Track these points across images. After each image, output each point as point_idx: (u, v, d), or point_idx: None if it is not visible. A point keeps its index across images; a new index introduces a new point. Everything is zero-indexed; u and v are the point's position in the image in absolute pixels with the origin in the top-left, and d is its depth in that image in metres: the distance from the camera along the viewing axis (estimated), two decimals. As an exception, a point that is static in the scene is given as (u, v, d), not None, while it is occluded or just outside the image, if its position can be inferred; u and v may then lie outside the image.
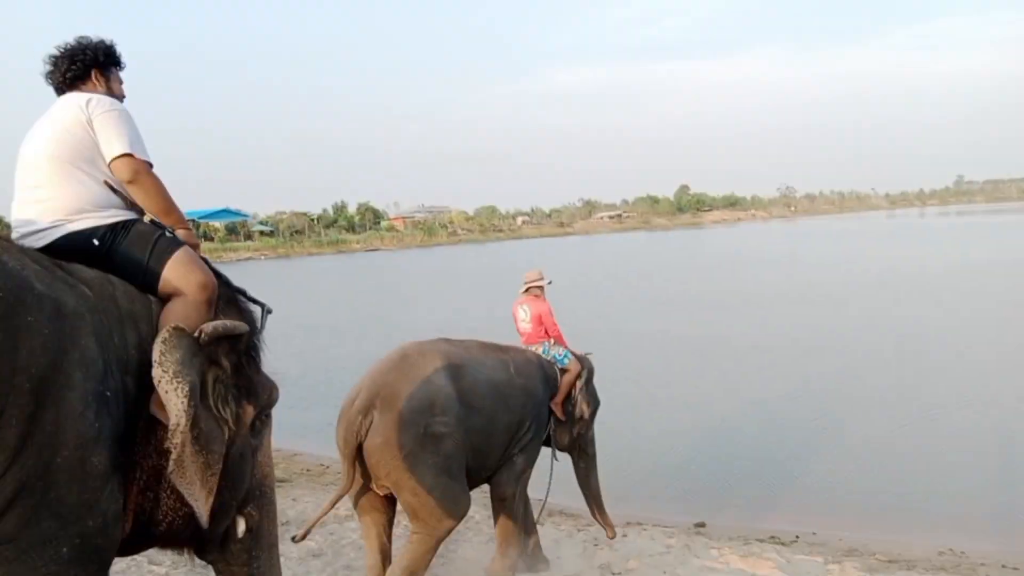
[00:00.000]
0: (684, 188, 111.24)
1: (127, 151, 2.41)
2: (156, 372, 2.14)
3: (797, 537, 6.58)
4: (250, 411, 2.49)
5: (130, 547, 2.37)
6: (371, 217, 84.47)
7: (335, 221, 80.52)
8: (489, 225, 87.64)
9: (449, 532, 4.50)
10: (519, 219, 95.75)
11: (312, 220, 79.40)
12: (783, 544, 6.29)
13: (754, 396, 11.45)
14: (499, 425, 4.79)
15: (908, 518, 7.04)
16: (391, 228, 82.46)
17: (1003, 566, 5.77)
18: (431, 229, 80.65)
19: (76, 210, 2.37)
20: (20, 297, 1.94)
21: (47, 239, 2.35)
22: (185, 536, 2.45)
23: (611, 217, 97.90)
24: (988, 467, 8.05)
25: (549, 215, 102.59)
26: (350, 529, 6.05)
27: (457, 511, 4.43)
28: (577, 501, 5.90)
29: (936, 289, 21.50)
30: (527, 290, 5.64)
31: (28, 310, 1.94)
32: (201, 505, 2.21)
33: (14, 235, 2.37)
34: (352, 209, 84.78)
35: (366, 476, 4.32)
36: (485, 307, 16.61)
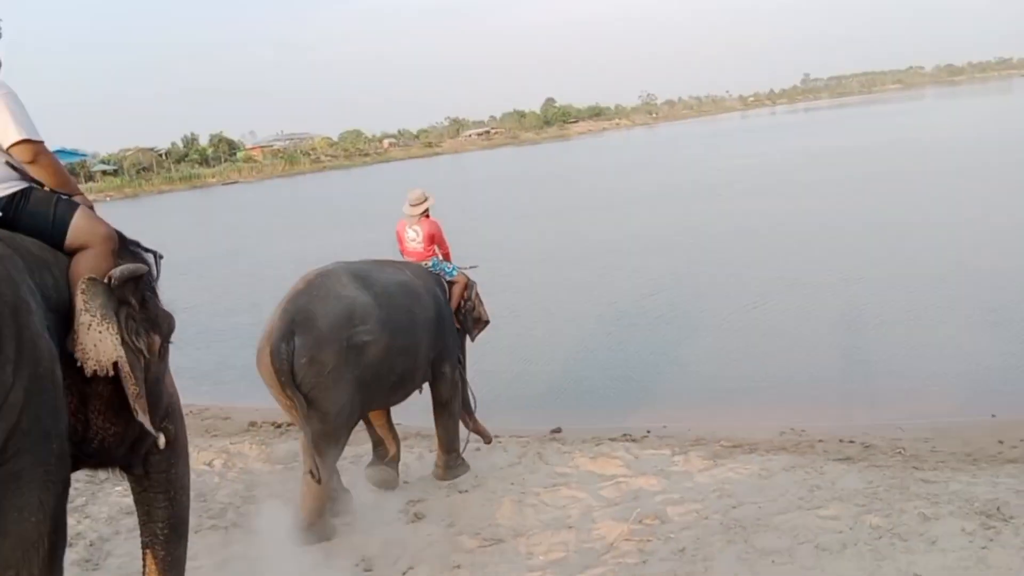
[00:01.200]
0: (550, 101, 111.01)
1: (24, 137, 2.59)
2: (84, 318, 2.44)
3: (648, 432, 6.57)
4: (156, 340, 2.77)
5: (81, 458, 2.62)
6: (226, 148, 79.67)
7: (186, 155, 75.58)
8: (354, 150, 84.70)
9: (340, 451, 4.72)
10: (385, 142, 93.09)
11: (160, 156, 74.22)
12: (634, 441, 6.24)
13: (610, 297, 11.52)
14: (419, 321, 4.95)
15: (753, 403, 7.18)
16: (249, 159, 78.22)
17: (840, 440, 5.92)
18: (292, 157, 77.11)
19: None
20: None
21: None
22: (117, 455, 2.75)
23: (479, 134, 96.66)
24: (825, 347, 8.37)
25: (417, 136, 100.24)
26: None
27: (349, 431, 4.67)
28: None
29: (779, 183, 22.36)
30: (417, 212, 5.60)
31: None
32: (147, 420, 2.55)
33: None
34: (204, 141, 79.86)
35: (291, 401, 4.35)
36: (359, 233, 16.11)
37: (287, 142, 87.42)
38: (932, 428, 6.02)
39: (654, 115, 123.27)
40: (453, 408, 5.48)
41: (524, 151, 74.12)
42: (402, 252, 5.70)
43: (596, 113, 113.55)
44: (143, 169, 69.13)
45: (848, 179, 20.98)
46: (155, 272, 2.88)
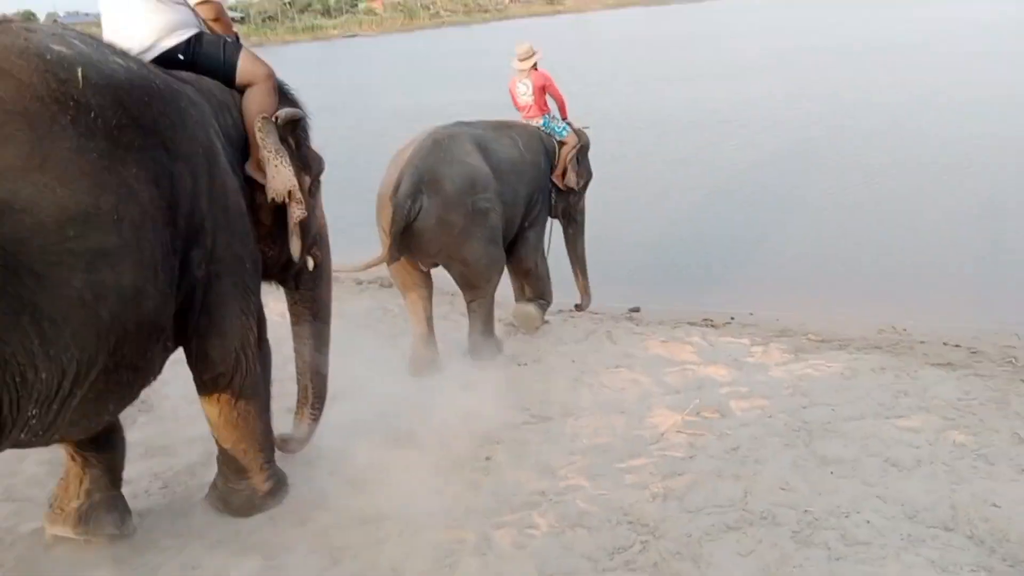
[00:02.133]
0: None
1: None
2: (262, 153, 2.80)
3: (732, 319, 6.18)
4: (306, 179, 3.07)
5: None
6: (349, 0, 79.22)
7: (309, 5, 75.53)
8: (474, 5, 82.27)
9: (495, 288, 5.10)
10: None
11: (285, 4, 74.46)
12: (713, 327, 5.89)
13: (712, 171, 10.80)
14: (520, 198, 5.25)
15: (852, 295, 6.61)
16: (369, 11, 77.48)
17: (944, 343, 5.39)
18: (412, 11, 75.79)
19: (160, 35, 2.84)
20: (173, 89, 2.55)
21: (145, 59, 2.75)
22: (273, 273, 3.19)
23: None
24: (943, 237, 7.59)
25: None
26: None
27: (500, 270, 5.12)
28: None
29: (948, 52, 20.09)
30: (526, 67, 5.63)
31: (181, 98, 2.57)
32: (295, 246, 2.95)
33: None
34: (329, -9, 79.29)
35: (411, 255, 4.75)
36: (468, 92, 15.83)
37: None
38: (1057, 338, 5.38)
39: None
40: (540, 271, 5.64)
41: (655, 11, 69.86)
42: (516, 108, 5.79)
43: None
44: (268, 18, 69.81)
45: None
46: (305, 115, 3.15)
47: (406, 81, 26.90)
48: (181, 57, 2.86)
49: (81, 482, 2.89)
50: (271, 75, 2.97)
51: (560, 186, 5.70)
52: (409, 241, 4.61)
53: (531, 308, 5.56)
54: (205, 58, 2.90)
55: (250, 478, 3.04)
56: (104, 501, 2.90)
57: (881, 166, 10.15)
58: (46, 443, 2.40)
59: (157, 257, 2.32)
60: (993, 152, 10.07)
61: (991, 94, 13.63)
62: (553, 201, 5.75)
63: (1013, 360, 4.97)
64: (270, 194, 2.84)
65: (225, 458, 3.01)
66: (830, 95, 15.43)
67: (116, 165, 2.22)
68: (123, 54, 2.53)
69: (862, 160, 10.50)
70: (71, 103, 2.17)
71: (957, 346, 5.31)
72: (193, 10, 2.93)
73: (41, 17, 63.02)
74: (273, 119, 2.84)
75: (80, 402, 2.19)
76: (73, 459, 2.89)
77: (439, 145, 4.76)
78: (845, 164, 10.47)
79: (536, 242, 5.60)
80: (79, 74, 2.21)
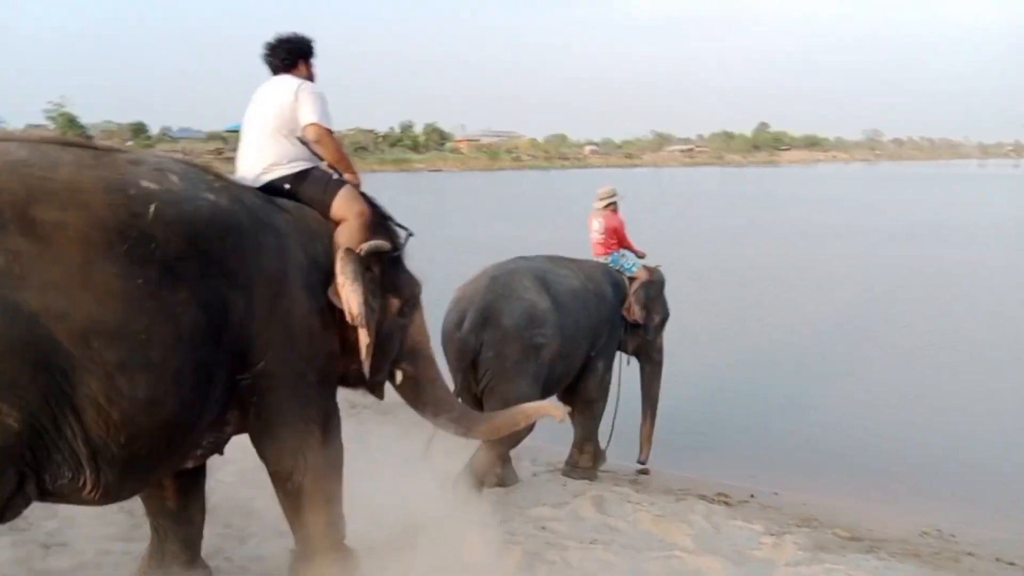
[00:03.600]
0: (763, 125, 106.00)
1: (317, 121, 3.25)
2: (340, 280, 3.06)
3: (752, 497, 5.42)
4: (395, 302, 3.38)
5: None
6: (437, 138, 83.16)
7: (399, 140, 79.60)
8: (555, 153, 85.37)
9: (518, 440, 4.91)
10: (587, 149, 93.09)
11: (378, 137, 78.66)
12: (727, 504, 5.14)
13: (770, 331, 10.18)
14: (582, 329, 5.24)
15: (899, 485, 5.77)
16: (455, 150, 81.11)
17: (998, 559, 4.51)
18: (495, 153, 79.01)
19: (273, 164, 3.26)
20: (256, 223, 2.91)
21: (258, 183, 3.25)
22: (357, 383, 3.44)
23: (682, 151, 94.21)
24: (1007, 429, 6.68)
25: (620, 146, 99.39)
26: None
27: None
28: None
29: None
30: (603, 206, 5.86)
31: (261, 231, 2.91)
32: (367, 364, 3.19)
33: (238, 177, 3.30)
34: (419, 129, 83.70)
35: (473, 384, 4.85)
36: (550, 229, 15.77)
37: (494, 138, 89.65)
38: None
39: (877, 152, 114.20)
40: (596, 409, 5.57)
41: (728, 172, 71.16)
42: (592, 244, 5.91)
43: (812, 143, 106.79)
44: (360, 148, 73.65)
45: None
46: (400, 245, 3.46)
47: (473, 214, 27.47)
48: (288, 187, 3.26)
49: (162, 555, 3.24)
50: (363, 213, 3.25)
51: (632, 320, 5.71)
52: (469, 374, 4.82)
53: (583, 462, 5.47)
54: (308, 191, 3.27)
55: (315, 561, 3.20)
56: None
57: (949, 343, 9.37)
58: (97, 503, 2.68)
59: (186, 372, 2.59)
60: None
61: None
62: (623, 336, 5.73)
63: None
64: (347, 316, 3.09)
65: (296, 539, 3.25)
66: (893, 268, 14.76)
67: (162, 292, 2.52)
68: (220, 190, 2.88)
69: (928, 335, 9.74)
70: (134, 235, 2.50)
71: (1012, 564, 4.43)
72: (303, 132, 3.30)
73: (155, 129, 68.40)
74: (357, 251, 3.13)
75: (103, 477, 2.51)
76: (155, 531, 3.26)
77: (496, 281, 4.97)
78: (908, 338, 9.71)
79: (603, 373, 5.57)
80: (151, 210, 2.56)
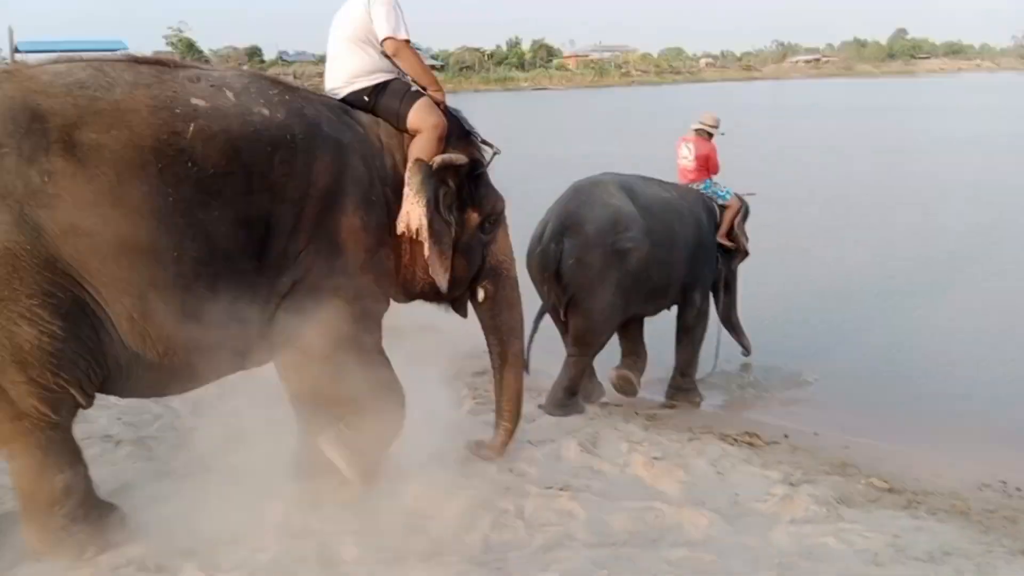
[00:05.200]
0: (900, 32, 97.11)
1: (390, 34, 3.20)
2: (406, 190, 3.06)
3: (785, 437, 4.76)
4: (475, 217, 3.33)
5: (409, 297, 3.44)
6: (544, 55, 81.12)
7: (505, 58, 78.09)
8: (667, 67, 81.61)
9: (601, 350, 4.98)
10: (702, 61, 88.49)
11: (484, 56, 77.46)
12: (752, 446, 4.50)
13: (862, 255, 9.16)
14: (677, 239, 5.06)
15: (968, 434, 4.92)
16: (561, 67, 78.91)
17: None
18: (603, 69, 76.35)
19: (354, 76, 3.25)
20: (313, 136, 2.91)
21: (340, 95, 3.27)
22: (434, 297, 3.40)
23: (807, 62, 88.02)
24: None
25: (740, 58, 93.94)
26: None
27: (612, 328, 4.96)
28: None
29: None
30: (697, 130, 5.67)
31: (318, 145, 2.91)
32: (440, 278, 3.16)
33: (327, 90, 3.32)
34: (527, 46, 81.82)
35: (557, 298, 4.72)
36: (646, 145, 14.52)
37: (605, 53, 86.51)
38: None
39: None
40: (695, 335, 5.47)
41: (857, 84, 65.92)
42: (678, 171, 5.71)
43: (954, 51, 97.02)
44: (465, 67, 72.77)
45: None
46: (486, 160, 3.40)
47: (576, 133, 26.51)
48: (366, 99, 3.23)
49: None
50: (438, 126, 3.16)
51: (727, 247, 5.59)
52: (550, 290, 4.70)
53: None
54: (385, 104, 3.23)
55: (355, 463, 3.18)
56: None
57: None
58: (150, 395, 3.17)
59: (221, 287, 2.62)
60: None
61: None
62: (719, 265, 5.59)
63: None
64: (401, 227, 3.07)
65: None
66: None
67: (194, 209, 2.56)
68: (279, 104, 2.86)
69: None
70: (170, 153, 2.53)
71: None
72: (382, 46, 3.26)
73: (271, 53, 69.68)
74: (429, 163, 3.07)
75: (148, 380, 2.70)
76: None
77: (581, 191, 4.83)
78: (1012, 266, 8.49)
79: (701, 303, 5.44)
80: (191, 128, 2.57)
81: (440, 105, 3.29)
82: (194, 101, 2.64)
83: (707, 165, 5.61)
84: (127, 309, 2.50)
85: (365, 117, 3.20)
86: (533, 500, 3.39)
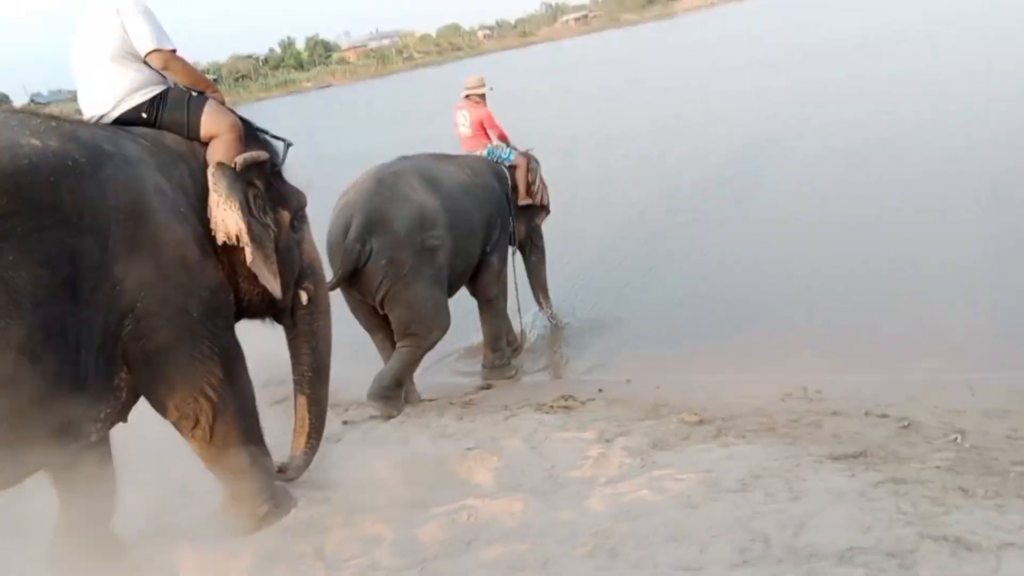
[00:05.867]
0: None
1: (155, 47, 3.00)
2: (212, 198, 2.87)
3: (600, 392, 4.75)
4: (286, 215, 3.24)
5: (237, 315, 3.15)
6: (321, 51, 78.96)
7: (282, 61, 75.24)
8: (448, 45, 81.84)
9: (434, 345, 4.92)
10: (480, 34, 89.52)
11: (258, 62, 74.22)
12: (567, 409, 4.42)
13: (641, 189, 9.39)
14: (476, 224, 5.09)
15: (764, 352, 5.00)
16: (342, 61, 77.14)
17: (866, 412, 3.85)
18: (385, 57, 75.37)
19: (123, 95, 3.01)
20: (100, 158, 2.65)
21: (110, 119, 3.02)
22: (262, 309, 3.27)
23: (576, 20, 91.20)
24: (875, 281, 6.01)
25: (515, 26, 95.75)
26: None
27: (444, 322, 4.88)
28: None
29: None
30: (467, 96, 5.70)
31: (107, 166, 2.65)
32: (271, 283, 3.02)
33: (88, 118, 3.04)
34: (301, 45, 79.17)
35: (362, 297, 4.72)
36: (416, 129, 15.72)
37: (384, 41, 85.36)
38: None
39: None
40: (499, 305, 5.49)
41: (624, 33, 69.03)
42: (458, 139, 5.75)
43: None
44: (241, 77, 69.33)
45: None
46: (280, 157, 3.25)
47: (354, 126, 25.81)
48: (145, 115, 3.01)
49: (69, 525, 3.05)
50: (235, 125, 3.02)
51: (528, 203, 5.66)
52: (359, 283, 4.61)
53: (497, 361, 5.41)
54: (169, 115, 3.02)
55: (243, 504, 3.06)
56: None
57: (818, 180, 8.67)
58: None
59: (36, 339, 2.35)
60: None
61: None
62: (512, 227, 5.59)
63: (959, 435, 3.45)
64: (220, 237, 2.87)
65: (223, 486, 3.07)
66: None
67: None
68: (48, 131, 2.60)
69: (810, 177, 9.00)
70: None
71: (884, 416, 3.79)
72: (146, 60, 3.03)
73: (23, 98, 62.82)
74: (232, 165, 2.91)
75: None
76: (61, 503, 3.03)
77: (383, 184, 4.71)
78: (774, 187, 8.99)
79: (499, 268, 5.45)
80: None
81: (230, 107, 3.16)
82: None
83: (484, 128, 5.65)
84: None
85: (147, 131, 2.97)
86: (335, 534, 3.05)
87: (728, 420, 3.94)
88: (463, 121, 5.69)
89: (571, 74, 31.02)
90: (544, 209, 5.92)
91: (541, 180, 5.82)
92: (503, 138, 5.75)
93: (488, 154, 5.62)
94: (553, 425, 4.06)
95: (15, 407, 2.31)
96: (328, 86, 65.68)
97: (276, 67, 73.89)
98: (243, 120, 3.16)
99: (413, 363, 4.85)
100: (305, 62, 75.47)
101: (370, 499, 3.33)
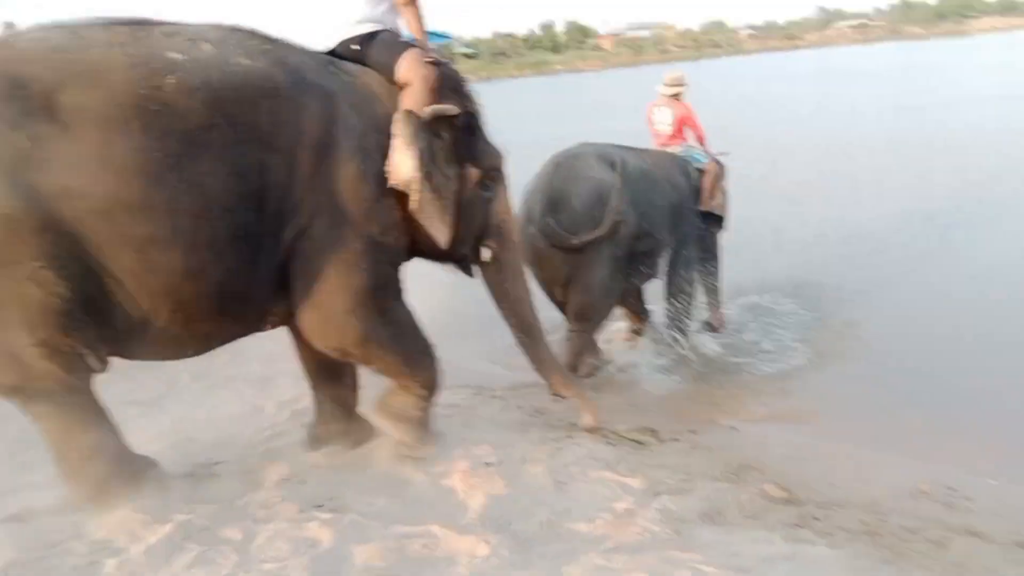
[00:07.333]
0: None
1: None
2: (395, 142, 2.93)
3: (693, 432, 3.90)
4: (474, 172, 3.23)
5: (409, 255, 3.19)
6: (578, 36, 79.62)
7: (539, 42, 76.87)
8: (706, 41, 79.28)
9: (600, 326, 4.89)
10: (743, 33, 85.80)
11: (518, 41, 76.38)
12: (639, 444, 3.67)
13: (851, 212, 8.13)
14: (658, 208, 4.92)
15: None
16: (597, 47, 77.36)
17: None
18: (639, 47, 74.55)
19: (346, 24, 3.15)
20: (298, 85, 2.79)
21: (341, 38, 3.17)
22: (437, 255, 3.28)
23: (853, 27, 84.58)
24: None
25: (783, 28, 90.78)
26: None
27: (611, 307, 4.88)
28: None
29: None
30: (669, 95, 5.53)
31: (304, 93, 2.79)
32: (440, 234, 3.05)
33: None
34: (560, 28, 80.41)
35: (547, 286, 4.65)
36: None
37: (641, 31, 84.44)
38: None
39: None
40: (686, 291, 5.34)
41: (903, 46, 62.84)
42: (653, 135, 5.60)
43: (1010, 7, 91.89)
44: (499, 54, 71.79)
45: None
46: (477, 112, 3.26)
47: (607, 110, 25.49)
48: (358, 48, 3.13)
49: (321, 412, 3.35)
50: (428, 78, 3.05)
51: (706, 210, 5.42)
52: (544, 268, 4.54)
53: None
54: (374, 54, 3.12)
55: (409, 396, 3.19)
56: (338, 430, 3.31)
57: None
58: (166, 358, 2.95)
59: (222, 240, 2.57)
60: None
61: None
62: (705, 229, 5.45)
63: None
64: (392, 180, 2.93)
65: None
66: None
67: (183, 162, 2.50)
68: (260, 54, 2.75)
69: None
70: (151, 108, 2.47)
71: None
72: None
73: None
74: (419, 114, 2.95)
75: (161, 339, 2.65)
76: (315, 392, 3.36)
77: (560, 166, 4.69)
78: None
79: (692, 260, 5.33)
80: (170, 82, 2.50)
81: (430, 58, 3.11)
82: (169, 55, 2.57)
83: (684, 126, 5.49)
84: (129, 266, 2.47)
85: (352, 67, 3.08)
86: (275, 525, 2.62)
87: (823, 507, 3.04)
88: (662, 118, 5.55)
89: (841, 82, 28.49)
90: (718, 221, 5.58)
91: (723, 190, 5.55)
92: (700, 140, 5.55)
93: (682, 151, 5.45)
94: (602, 460, 3.34)
95: (200, 293, 2.58)
96: (578, 71, 66.19)
97: (533, 47, 75.60)
98: (449, 72, 3.18)
99: (585, 346, 4.78)
100: (560, 45, 76.53)
101: (352, 498, 2.88)
